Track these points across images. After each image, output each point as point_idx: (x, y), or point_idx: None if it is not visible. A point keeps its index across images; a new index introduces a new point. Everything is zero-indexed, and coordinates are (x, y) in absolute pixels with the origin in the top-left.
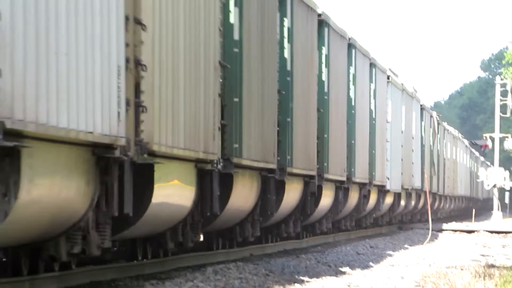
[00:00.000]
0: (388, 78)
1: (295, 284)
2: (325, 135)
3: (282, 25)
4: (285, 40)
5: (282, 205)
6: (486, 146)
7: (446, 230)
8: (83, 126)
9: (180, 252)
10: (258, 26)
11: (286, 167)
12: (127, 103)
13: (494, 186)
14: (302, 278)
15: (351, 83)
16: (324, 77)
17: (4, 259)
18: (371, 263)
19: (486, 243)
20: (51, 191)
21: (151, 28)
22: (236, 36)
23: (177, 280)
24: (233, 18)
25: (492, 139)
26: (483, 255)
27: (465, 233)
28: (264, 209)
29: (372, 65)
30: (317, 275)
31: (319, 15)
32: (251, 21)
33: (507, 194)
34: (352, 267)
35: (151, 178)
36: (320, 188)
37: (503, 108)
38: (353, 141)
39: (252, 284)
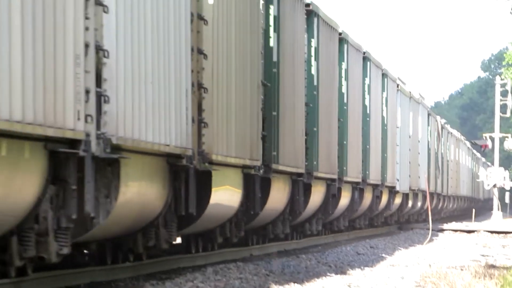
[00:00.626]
0: (397, 86)
1: (295, 284)
2: (344, 142)
3: (309, 45)
4: (312, 58)
5: (308, 205)
6: (486, 146)
7: (446, 230)
8: (162, 140)
9: (225, 246)
10: (291, 47)
11: (312, 172)
12: (192, 120)
13: (494, 186)
14: (302, 278)
15: (366, 92)
16: (343, 89)
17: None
18: (371, 263)
19: (486, 243)
20: (139, 193)
21: (210, 56)
22: (274, 58)
23: (177, 280)
24: (272, 42)
25: (492, 139)
26: (483, 255)
27: (465, 233)
28: (293, 209)
29: (384, 75)
30: (317, 275)
31: (340, 33)
32: (285, 43)
33: (507, 194)
34: (352, 267)
35: (209, 183)
36: (339, 190)
37: (503, 108)
38: (367, 146)
39: (252, 284)
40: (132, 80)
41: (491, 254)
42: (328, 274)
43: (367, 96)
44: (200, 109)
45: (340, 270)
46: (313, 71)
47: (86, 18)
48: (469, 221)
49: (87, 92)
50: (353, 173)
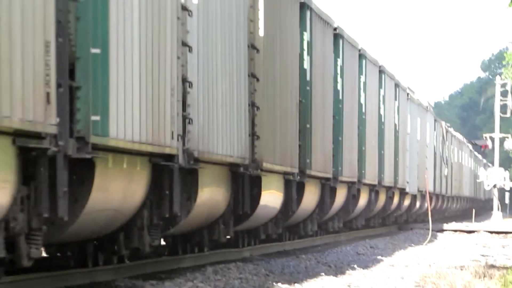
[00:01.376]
0: (407, 95)
1: (295, 284)
2: (363, 148)
3: (336, 64)
4: (338, 76)
5: (333, 206)
6: (486, 146)
7: (446, 230)
8: (228, 152)
9: (267, 241)
10: (321, 67)
11: (338, 176)
12: (248, 133)
13: (494, 186)
14: (302, 278)
15: (381, 102)
16: (362, 100)
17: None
18: (371, 263)
19: (486, 243)
20: (211, 196)
21: (261, 80)
22: (308, 78)
23: (177, 280)
24: (306, 64)
25: (492, 139)
26: (483, 255)
27: (465, 233)
28: (321, 209)
29: (396, 85)
30: (317, 275)
31: (359, 50)
32: (317, 64)
33: (507, 194)
34: (352, 267)
35: (260, 186)
36: (358, 191)
37: (503, 108)
38: (382, 151)
39: (252, 284)
40: (208, 104)
41: (491, 254)
42: (328, 274)
43: (382, 105)
44: (253, 124)
45: (340, 270)
46: (339, 87)
47: (178, 57)
48: (469, 222)
49: (177, 115)
50: (371, 176)
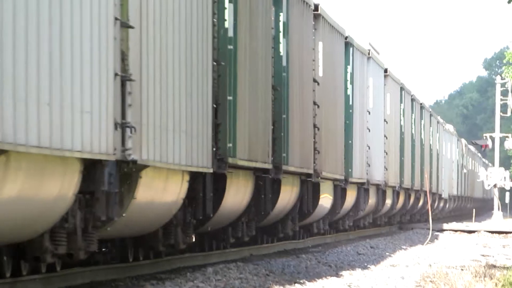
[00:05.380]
0: (443, 126)
1: (296, 284)
2: (423, 167)
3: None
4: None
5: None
6: (486, 146)
7: (447, 230)
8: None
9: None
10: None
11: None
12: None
13: (495, 186)
14: (302, 278)
15: (430, 135)
16: (422, 136)
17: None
18: (371, 263)
19: (487, 243)
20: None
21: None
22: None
23: (178, 280)
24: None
25: (493, 139)
26: (483, 255)
27: (465, 233)
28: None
29: (438, 122)
30: (317, 275)
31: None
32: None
33: (507, 194)
34: (353, 267)
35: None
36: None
37: (504, 107)
38: (431, 169)
39: (252, 284)
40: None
41: (491, 254)
42: (329, 274)
43: (430, 138)
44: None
45: (340, 270)
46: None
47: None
48: (470, 221)
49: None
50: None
